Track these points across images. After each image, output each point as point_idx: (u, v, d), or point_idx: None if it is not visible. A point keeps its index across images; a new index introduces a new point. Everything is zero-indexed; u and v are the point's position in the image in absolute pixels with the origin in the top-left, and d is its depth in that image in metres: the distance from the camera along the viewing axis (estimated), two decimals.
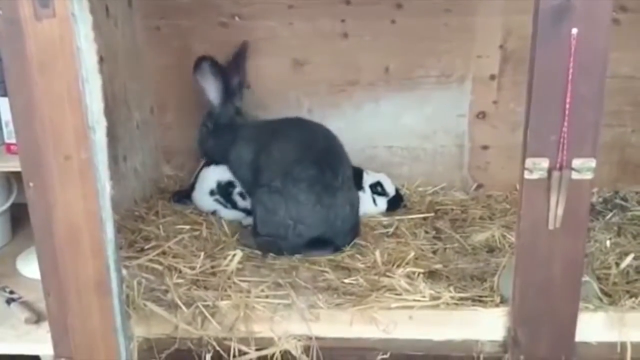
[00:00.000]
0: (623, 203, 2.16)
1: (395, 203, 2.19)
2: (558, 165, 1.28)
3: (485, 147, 2.28)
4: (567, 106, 1.23)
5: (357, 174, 2.17)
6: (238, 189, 2.12)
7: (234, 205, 2.13)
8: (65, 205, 1.32)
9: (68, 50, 1.24)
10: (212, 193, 2.13)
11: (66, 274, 1.37)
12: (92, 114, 1.28)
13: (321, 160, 1.91)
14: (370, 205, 2.16)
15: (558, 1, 1.17)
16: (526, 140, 1.29)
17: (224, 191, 2.13)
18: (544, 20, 1.18)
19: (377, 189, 2.18)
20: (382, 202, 2.18)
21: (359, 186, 2.15)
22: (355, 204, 1.97)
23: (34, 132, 1.29)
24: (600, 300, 1.56)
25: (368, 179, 2.19)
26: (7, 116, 1.53)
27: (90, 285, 1.37)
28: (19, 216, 1.99)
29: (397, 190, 2.21)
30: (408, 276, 1.69)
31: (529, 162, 1.30)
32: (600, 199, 2.19)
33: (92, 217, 1.33)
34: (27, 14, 1.22)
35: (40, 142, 1.29)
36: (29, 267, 1.78)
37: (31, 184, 1.34)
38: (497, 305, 1.55)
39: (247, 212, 2.08)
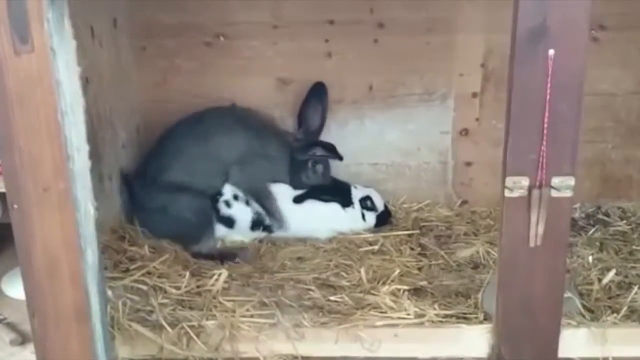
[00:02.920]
0: (605, 218, 2.18)
1: (384, 218, 2.20)
2: (538, 184, 1.29)
3: (468, 164, 2.29)
4: (545, 125, 1.24)
5: (345, 189, 2.19)
6: (225, 197, 2.11)
7: (216, 213, 2.11)
8: (43, 236, 1.33)
9: (47, 84, 1.25)
10: None
11: (45, 301, 1.36)
12: (72, 144, 1.29)
13: None
14: (359, 221, 2.16)
15: (534, 23, 1.18)
16: (506, 159, 1.30)
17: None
18: (521, 42, 1.20)
19: (366, 203, 2.18)
20: (371, 218, 2.18)
21: (348, 201, 2.16)
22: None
23: (13, 163, 1.29)
24: (583, 316, 1.57)
25: (357, 193, 2.19)
26: None
27: (69, 313, 1.37)
28: (4, 236, 1.97)
29: (385, 206, 2.22)
30: (393, 293, 1.69)
31: (509, 180, 1.31)
32: (583, 215, 2.20)
33: (71, 247, 1.33)
34: (6, 50, 1.23)
35: (19, 174, 1.30)
36: (14, 288, 1.77)
37: (15, 206, 1.34)
38: (481, 322, 1.56)
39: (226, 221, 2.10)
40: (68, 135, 1.28)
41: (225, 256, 1.99)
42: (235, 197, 2.12)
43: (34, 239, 1.33)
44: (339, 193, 2.18)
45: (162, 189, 2.06)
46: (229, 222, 2.11)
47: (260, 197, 2.13)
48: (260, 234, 2.14)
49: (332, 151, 2.15)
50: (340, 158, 2.15)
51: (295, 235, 2.14)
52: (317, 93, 2.18)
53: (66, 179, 1.29)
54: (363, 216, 2.17)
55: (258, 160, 2.13)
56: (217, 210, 2.11)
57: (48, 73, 1.24)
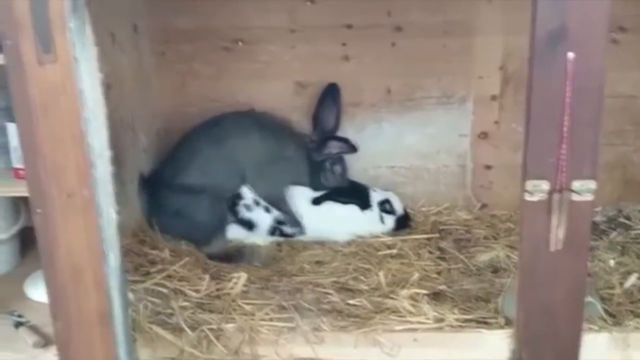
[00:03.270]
0: (627, 222, 2.15)
1: (403, 222, 2.19)
2: (558, 187, 1.28)
3: (488, 167, 2.28)
4: (565, 129, 1.23)
5: (363, 191, 2.19)
6: (245, 200, 2.12)
7: (235, 215, 2.12)
8: (67, 241, 1.35)
9: (70, 93, 1.27)
10: None
11: (69, 305, 1.38)
12: (95, 151, 1.30)
13: None
14: (377, 223, 2.16)
15: (553, 26, 1.17)
16: (526, 163, 1.29)
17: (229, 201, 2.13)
18: (539, 45, 1.19)
19: (385, 206, 2.17)
20: (390, 221, 2.17)
21: (367, 204, 2.16)
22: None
23: (38, 170, 1.31)
24: (604, 320, 1.56)
25: (376, 196, 2.19)
26: (15, 141, 1.55)
27: (92, 316, 1.39)
28: (27, 239, 1.99)
29: (404, 210, 2.21)
30: (412, 297, 1.69)
31: (529, 184, 1.30)
32: (604, 218, 2.17)
33: (94, 252, 1.34)
34: (30, 59, 1.25)
35: (44, 180, 1.32)
36: (37, 290, 1.78)
37: (38, 210, 1.36)
38: (501, 327, 1.55)
39: (247, 224, 2.11)
40: (91, 142, 1.30)
41: (234, 257, 2.00)
42: (257, 203, 2.13)
43: (58, 244, 1.35)
44: (357, 195, 2.18)
45: (177, 191, 2.08)
46: (249, 225, 2.12)
47: (279, 202, 2.14)
48: (278, 238, 2.15)
49: (345, 143, 2.15)
50: (355, 149, 2.15)
51: (313, 237, 2.14)
52: (331, 94, 2.19)
53: (90, 185, 1.31)
54: (382, 219, 2.16)
55: (275, 165, 2.14)
56: (236, 213, 2.12)
57: (71, 82, 1.26)
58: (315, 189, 2.18)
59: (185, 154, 2.12)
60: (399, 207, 2.20)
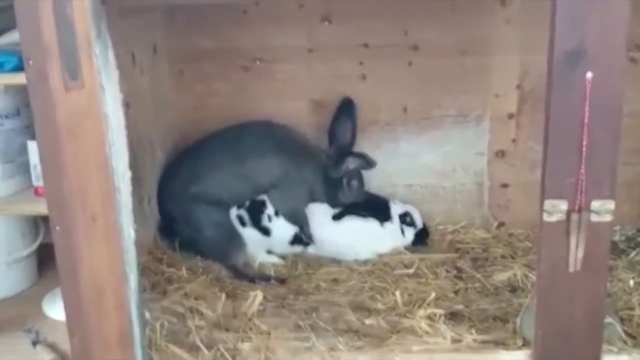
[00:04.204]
0: None
1: (422, 237, 2.18)
2: (577, 208, 1.27)
3: (505, 185, 2.26)
4: (584, 149, 1.22)
5: (383, 204, 2.18)
6: (269, 210, 2.12)
7: (257, 223, 2.12)
8: (90, 263, 1.36)
9: (95, 118, 1.28)
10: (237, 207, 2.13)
11: (89, 326, 1.39)
12: (118, 174, 1.31)
13: None
14: (398, 236, 2.15)
15: (571, 46, 1.16)
16: (544, 183, 1.28)
17: (253, 209, 2.12)
18: (558, 65, 1.18)
19: (406, 219, 2.16)
20: (410, 233, 2.16)
21: (387, 216, 2.15)
22: None
23: (62, 191, 1.32)
24: (624, 342, 1.52)
25: (396, 209, 2.17)
26: (35, 159, 1.57)
27: (113, 338, 1.39)
28: (45, 256, 2.00)
29: (424, 224, 2.20)
30: (429, 317, 1.66)
31: (547, 204, 1.28)
32: (623, 237, 2.14)
33: (116, 274, 1.35)
34: (57, 85, 1.26)
35: (68, 202, 1.33)
36: (55, 308, 1.79)
37: (58, 228, 1.36)
38: (519, 348, 1.52)
39: (265, 231, 2.11)
40: (115, 166, 1.31)
41: (257, 277, 2.00)
42: (277, 213, 2.12)
43: (80, 265, 1.36)
44: (377, 208, 2.17)
45: (191, 200, 2.08)
46: (266, 232, 2.12)
47: (298, 220, 2.13)
48: (298, 248, 2.14)
49: (363, 159, 2.14)
50: (374, 164, 2.13)
51: (334, 253, 2.12)
52: (346, 109, 2.18)
53: (114, 209, 1.32)
54: (402, 231, 2.15)
55: (293, 184, 2.13)
56: (258, 220, 2.11)
57: (97, 107, 1.27)
58: (333, 205, 2.17)
59: (204, 164, 2.11)
60: (419, 221, 2.18)
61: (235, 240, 2.08)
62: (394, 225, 2.15)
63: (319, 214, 2.15)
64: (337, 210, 2.15)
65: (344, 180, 2.17)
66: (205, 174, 2.10)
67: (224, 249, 2.06)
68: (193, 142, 2.20)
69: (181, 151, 2.22)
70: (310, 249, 2.15)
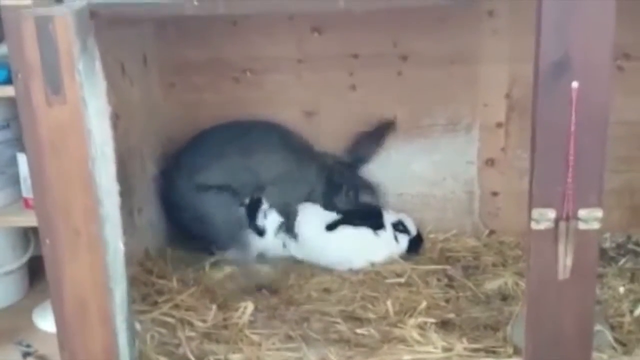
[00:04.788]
0: (636, 248, 2.12)
1: (416, 244, 2.18)
2: (565, 216, 1.26)
3: (495, 194, 2.26)
4: (571, 158, 1.22)
5: (376, 212, 2.18)
6: (264, 206, 2.13)
7: (252, 221, 2.13)
8: (73, 278, 1.35)
9: (78, 134, 1.27)
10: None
11: (75, 341, 1.38)
12: (102, 189, 1.31)
13: None
14: (392, 244, 2.15)
15: (557, 56, 1.17)
16: (532, 191, 1.28)
17: (250, 206, 2.14)
18: (543, 75, 1.18)
19: (399, 227, 2.17)
20: (404, 240, 2.16)
21: (380, 225, 2.15)
22: None
23: (46, 207, 1.32)
24: (614, 349, 1.53)
25: (389, 217, 2.18)
26: (25, 171, 1.56)
27: (98, 352, 1.38)
28: (36, 268, 1.99)
29: (418, 232, 2.20)
30: (420, 326, 1.67)
31: (535, 212, 1.28)
32: (613, 245, 2.15)
33: (100, 289, 1.34)
34: (40, 100, 1.25)
35: (51, 216, 1.32)
36: (46, 320, 1.77)
37: (47, 241, 1.36)
38: (510, 356, 1.53)
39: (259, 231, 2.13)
40: (99, 181, 1.31)
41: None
42: (270, 206, 2.14)
43: (64, 279, 1.35)
44: (370, 217, 2.17)
45: (197, 188, 2.10)
46: (261, 232, 2.13)
47: (287, 213, 2.15)
48: (279, 240, 2.15)
49: (371, 188, 2.18)
50: (374, 192, 2.19)
51: (327, 263, 2.12)
52: (385, 130, 2.21)
53: (96, 223, 1.31)
54: (396, 239, 2.15)
55: (295, 182, 2.16)
56: (253, 218, 2.12)
57: (79, 123, 1.27)
58: (326, 207, 2.19)
59: (212, 153, 2.14)
60: (412, 228, 2.19)
61: (237, 233, 2.11)
62: (388, 233, 2.15)
63: (313, 222, 2.15)
64: (330, 220, 2.16)
65: (344, 188, 2.17)
66: (212, 163, 2.12)
67: (225, 239, 2.09)
68: (197, 132, 2.21)
69: (187, 141, 2.23)
70: (299, 254, 2.15)
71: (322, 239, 2.14)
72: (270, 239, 2.15)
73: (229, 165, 2.13)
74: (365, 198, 2.21)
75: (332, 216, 2.17)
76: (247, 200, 2.13)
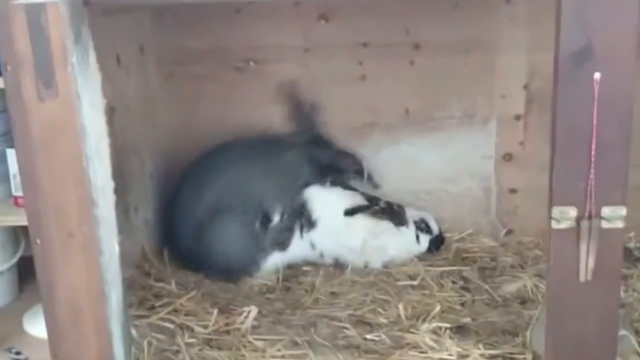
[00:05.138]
0: None
1: (437, 243, 2.19)
2: (587, 214, 1.27)
3: (513, 191, 2.27)
4: (593, 152, 1.22)
5: (400, 209, 2.19)
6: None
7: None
8: (67, 282, 1.35)
9: (71, 130, 1.27)
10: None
11: (68, 347, 1.38)
12: (97, 188, 1.31)
13: None
14: (412, 243, 2.16)
15: (578, 45, 1.17)
16: (552, 188, 1.28)
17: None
18: (564, 66, 1.18)
19: (421, 225, 2.18)
20: (425, 241, 2.18)
21: (403, 221, 2.16)
22: None
23: (37, 207, 1.32)
24: (639, 355, 1.53)
25: (411, 214, 2.19)
26: (14, 168, 1.57)
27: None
28: (26, 270, 2.00)
29: (440, 231, 2.21)
30: (434, 332, 1.68)
31: (555, 211, 1.28)
32: (638, 244, 2.15)
33: (94, 294, 1.34)
34: (31, 94, 1.26)
35: (43, 217, 1.32)
36: (36, 326, 1.78)
37: (38, 241, 1.36)
38: None
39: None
40: (93, 179, 1.31)
41: None
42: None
43: (57, 283, 1.35)
44: (393, 211, 2.18)
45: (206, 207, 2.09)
46: (282, 244, 2.11)
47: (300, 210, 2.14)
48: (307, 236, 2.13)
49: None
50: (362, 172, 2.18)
51: (340, 254, 2.13)
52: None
53: (91, 224, 1.32)
54: (417, 238, 2.16)
55: (286, 180, 2.15)
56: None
57: (73, 118, 1.26)
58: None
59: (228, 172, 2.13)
60: (435, 227, 2.20)
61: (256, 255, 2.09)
62: (410, 231, 2.16)
63: (332, 206, 2.14)
64: (350, 205, 2.15)
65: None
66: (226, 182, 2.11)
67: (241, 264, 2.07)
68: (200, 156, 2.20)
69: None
70: (322, 245, 2.13)
71: (338, 227, 2.13)
72: (295, 246, 2.13)
73: (232, 188, 2.10)
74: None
75: (349, 197, 2.16)
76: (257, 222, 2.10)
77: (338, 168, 2.20)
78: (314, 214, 2.12)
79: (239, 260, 2.07)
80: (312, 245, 2.13)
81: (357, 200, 2.16)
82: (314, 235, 2.13)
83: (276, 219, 2.10)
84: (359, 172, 2.22)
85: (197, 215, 2.08)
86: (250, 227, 2.08)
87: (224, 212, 2.07)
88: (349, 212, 2.14)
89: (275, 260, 2.10)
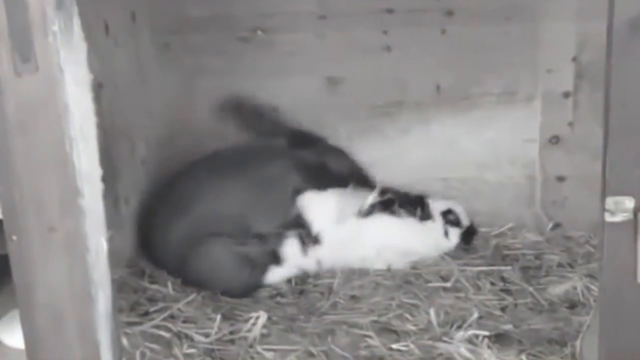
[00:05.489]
0: None
1: (468, 237, 2.21)
2: None
3: (561, 179, 2.27)
4: None
5: (418, 201, 2.19)
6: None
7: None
8: (47, 284, 1.35)
9: (53, 109, 1.27)
10: None
11: (49, 358, 1.39)
12: (82, 175, 1.32)
13: None
14: (440, 238, 2.18)
15: (635, 12, 1.17)
16: (605, 176, 1.29)
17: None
18: (619, 35, 1.18)
19: (449, 217, 2.19)
20: (455, 235, 2.19)
21: (427, 215, 2.17)
22: None
23: (13, 198, 1.32)
24: None
25: (436, 206, 2.20)
26: None
27: None
28: (2, 271, 2.02)
29: (471, 222, 2.22)
30: (470, 341, 1.69)
31: (609, 201, 1.29)
32: None
33: (80, 297, 1.35)
34: (6, 70, 1.26)
35: (19, 210, 1.32)
36: (12, 335, 1.80)
37: (14, 238, 1.38)
38: None
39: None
40: (77, 165, 1.32)
41: None
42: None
43: (36, 286, 1.36)
44: (413, 205, 2.18)
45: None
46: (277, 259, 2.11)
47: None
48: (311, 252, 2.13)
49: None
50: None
51: (356, 260, 2.14)
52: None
53: (75, 217, 1.32)
54: (446, 232, 2.18)
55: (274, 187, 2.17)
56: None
57: (54, 95, 1.27)
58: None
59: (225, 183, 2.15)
60: (465, 219, 2.21)
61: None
62: (437, 225, 2.17)
63: (344, 210, 2.14)
64: (364, 206, 2.15)
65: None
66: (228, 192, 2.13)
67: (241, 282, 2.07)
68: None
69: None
70: (329, 261, 2.14)
71: (353, 231, 2.12)
72: (299, 262, 2.13)
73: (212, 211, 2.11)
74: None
75: (349, 197, 2.15)
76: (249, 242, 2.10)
77: (328, 168, 2.21)
78: (313, 227, 2.11)
79: (233, 285, 2.06)
80: (319, 262, 2.13)
81: (360, 198, 2.16)
82: (320, 252, 2.12)
83: (267, 234, 2.10)
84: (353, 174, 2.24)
85: (177, 244, 2.08)
86: (238, 248, 2.08)
87: (204, 239, 2.06)
88: (364, 213, 2.14)
89: (275, 276, 2.11)
